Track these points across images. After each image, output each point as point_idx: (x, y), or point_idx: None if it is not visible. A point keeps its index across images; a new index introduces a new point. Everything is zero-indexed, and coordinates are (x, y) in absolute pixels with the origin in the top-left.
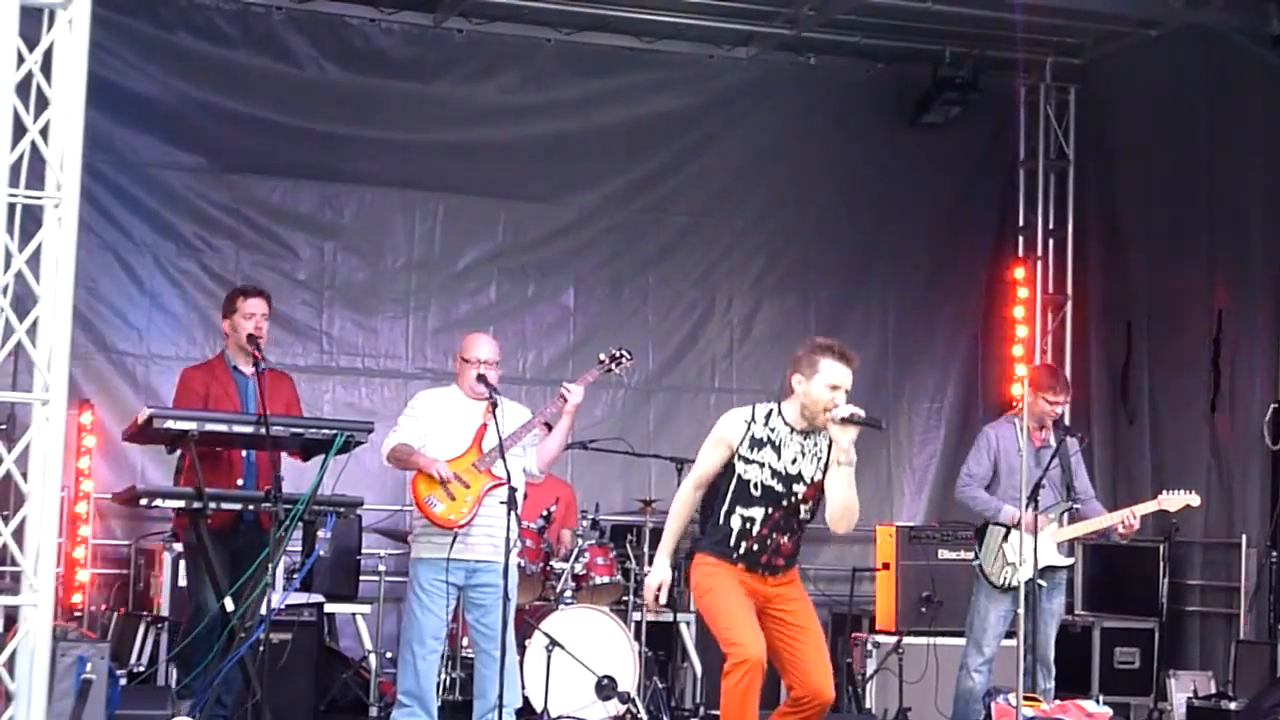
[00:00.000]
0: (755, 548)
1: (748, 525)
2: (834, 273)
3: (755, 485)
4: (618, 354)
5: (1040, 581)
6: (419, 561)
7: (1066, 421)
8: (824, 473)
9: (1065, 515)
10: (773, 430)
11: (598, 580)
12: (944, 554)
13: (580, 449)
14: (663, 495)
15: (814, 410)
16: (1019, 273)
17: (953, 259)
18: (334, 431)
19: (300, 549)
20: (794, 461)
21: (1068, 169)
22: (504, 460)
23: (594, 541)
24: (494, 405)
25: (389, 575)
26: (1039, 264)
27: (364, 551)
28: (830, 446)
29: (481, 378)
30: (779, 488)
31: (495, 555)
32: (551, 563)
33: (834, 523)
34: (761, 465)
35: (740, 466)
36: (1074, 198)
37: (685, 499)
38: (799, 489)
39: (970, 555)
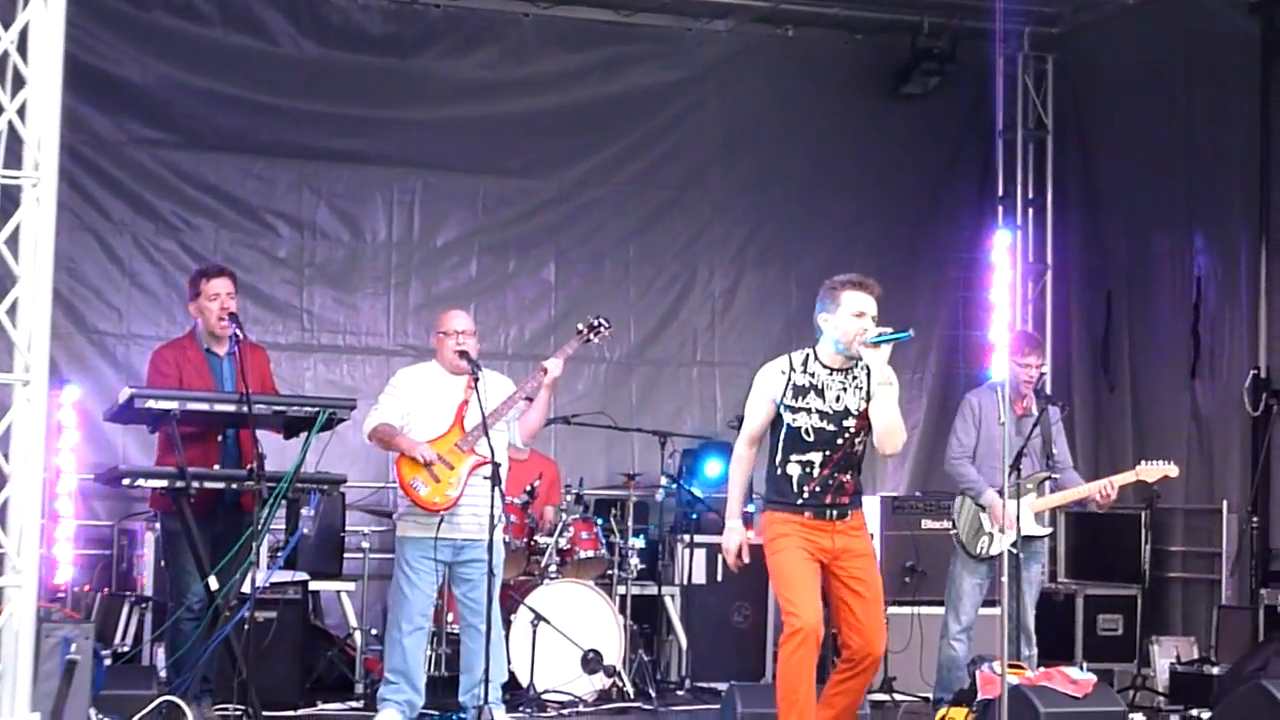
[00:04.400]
0: (819, 489)
1: (807, 470)
2: (815, 244)
3: (807, 431)
4: (596, 323)
5: (1015, 550)
6: (405, 540)
7: (1048, 390)
8: (868, 401)
9: (1045, 485)
10: (813, 375)
11: (582, 555)
12: (927, 524)
13: (563, 424)
14: (646, 469)
15: (847, 341)
16: (999, 242)
17: (933, 229)
18: (316, 409)
19: (284, 527)
20: (838, 399)
21: (1046, 138)
22: (488, 438)
23: (578, 516)
24: (475, 380)
25: (374, 552)
26: (1019, 233)
27: (348, 529)
28: (869, 375)
29: (463, 353)
30: (830, 428)
31: (481, 532)
32: (536, 538)
33: (881, 445)
34: (809, 411)
35: (788, 416)
36: (1053, 167)
37: (741, 457)
38: (849, 423)
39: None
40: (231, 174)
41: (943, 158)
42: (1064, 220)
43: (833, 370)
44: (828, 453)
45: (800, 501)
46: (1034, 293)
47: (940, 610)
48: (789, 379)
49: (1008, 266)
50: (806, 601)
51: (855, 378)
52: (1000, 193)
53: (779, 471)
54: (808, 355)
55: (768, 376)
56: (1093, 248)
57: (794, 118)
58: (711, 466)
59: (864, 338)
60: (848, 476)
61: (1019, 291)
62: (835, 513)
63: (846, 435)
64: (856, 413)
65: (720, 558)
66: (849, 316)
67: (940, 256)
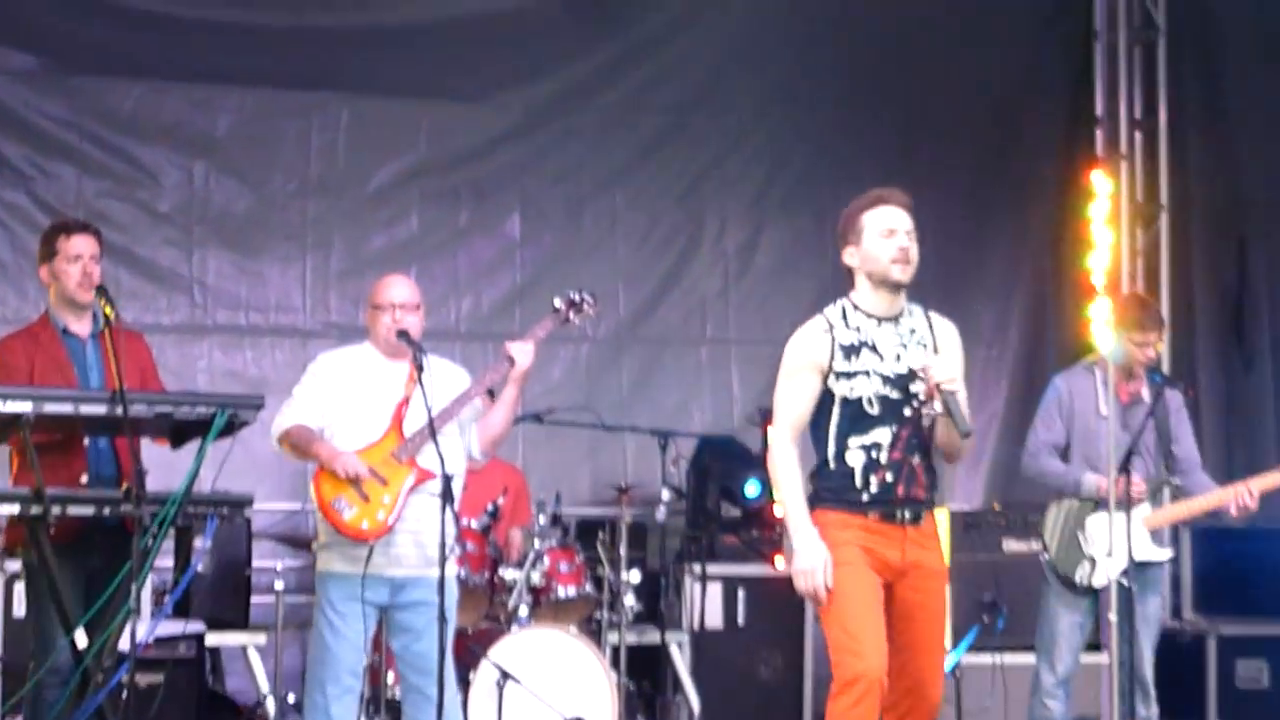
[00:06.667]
0: (889, 479)
1: (874, 455)
2: (857, 183)
3: (870, 401)
4: (577, 299)
5: (1125, 581)
6: (328, 577)
7: (1165, 369)
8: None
9: (1164, 493)
10: (859, 329)
11: (561, 593)
12: (1010, 546)
13: (534, 423)
14: (644, 479)
15: (883, 270)
16: (1098, 177)
17: (1010, 163)
18: (212, 409)
19: (173, 564)
20: (898, 358)
21: (1158, 41)
22: (436, 445)
23: (555, 543)
24: (419, 368)
25: (289, 594)
26: (1124, 165)
27: (255, 564)
28: (930, 324)
29: (402, 333)
30: (895, 395)
31: (427, 566)
32: (500, 572)
33: (946, 456)
34: (868, 374)
35: (843, 387)
36: (1167, 79)
37: (789, 459)
38: (918, 388)
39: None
40: (100, 104)
41: (1022, 69)
42: (1183, 148)
43: (881, 320)
44: (896, 428)
45: (867, 498)
46: (1145, 242)
47: (1029, 658)
48: (833, 339)
49: (1110, 210)
50: (871, 640)
51: (914, 330)
52: (1099, 113)
53: (834, 464)
54: (844, 307)
55: (807, 341)
56: (1221, 183)
57: (829, 17)
58: (750, 488)
59: (933, 398)
60: (917, 459)
61: (1125, 241)
62: (908, 513)
63: (915, 403)
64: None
65: (743, 596)
66: (878, 239)
67: (1020, 199)
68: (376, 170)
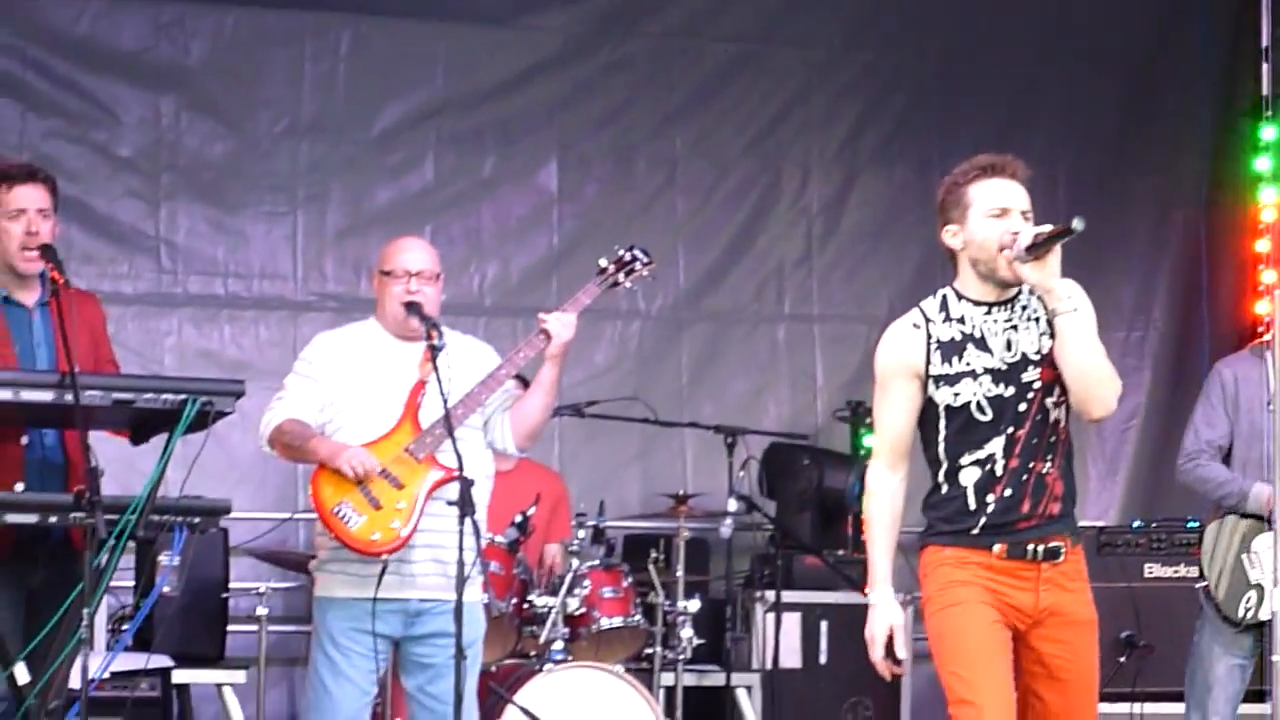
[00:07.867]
0: (1010, 495)
1: (990, 468)
2: (968, 127)
3: (980, 406)
4: (628, 257)
5: None
6: (328, 603)
7: None
8: (1054, 336)
9: None
10: (961, 320)
11: (605, 623)
12: (1154, 570)
13: (574, 416)
14: (705, 485)
15: (991, 259)
16: (1267, 127)
17: (1158, 102)
18: (182, 396)
19: (134, 584)
20: (1009, 346)
21: None
22: (453, 440)
23: (598, 563)
24: (434, 349)
25: (275, 623)
26: None
27: (233, 586)
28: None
29: (413, 304)
30: (1010, 391)
31: (449, 588)
32: (531, 597)
33: (1083, 403)
34: (974, 375)
35: (945, 394)
36: None
37: (885, 489)
38: (1032, 375)
39: (1196, 572)
40: (45, 24)
41: None
42: None
43: (990, 306)
44: (1012, 430)
45: (984, 524)
46: None
47: (1177, 708)
48: (930, 337)
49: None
50: (992, 686)
51: (1026, 307)
52: (1265, 42)
53: (947, 487)
54: (945, 296)
55: (896, 342)
56: None
57: None
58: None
59: (1014, 248)
60: (1049, 465)
61: None
62: (1042, 549)
63: (1034, 394)
64: (1039, 357)
65: (826, 629)
66: (985, 219)
67: (1168, 149)
68: (383, 108)
